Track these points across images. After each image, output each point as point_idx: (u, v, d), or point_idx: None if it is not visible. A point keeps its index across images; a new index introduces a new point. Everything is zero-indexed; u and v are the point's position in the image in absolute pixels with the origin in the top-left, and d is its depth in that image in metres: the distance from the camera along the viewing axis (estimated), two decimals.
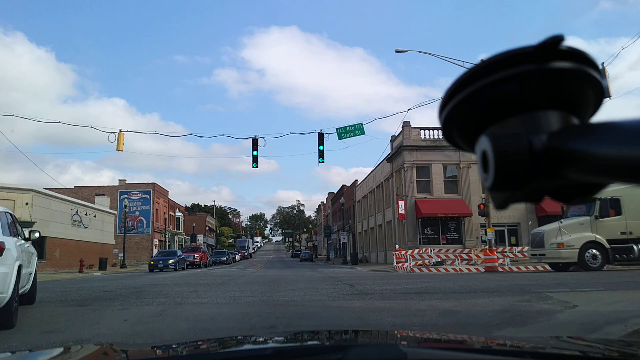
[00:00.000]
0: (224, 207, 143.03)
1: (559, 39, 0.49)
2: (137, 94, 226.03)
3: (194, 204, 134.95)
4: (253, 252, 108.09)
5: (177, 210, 70.52)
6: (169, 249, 58.16)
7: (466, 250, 26.42)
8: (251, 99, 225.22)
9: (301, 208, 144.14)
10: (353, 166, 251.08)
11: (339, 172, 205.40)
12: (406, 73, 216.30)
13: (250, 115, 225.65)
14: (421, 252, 25.80)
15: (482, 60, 0.53)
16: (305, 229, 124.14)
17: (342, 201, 43.86)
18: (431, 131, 30.56)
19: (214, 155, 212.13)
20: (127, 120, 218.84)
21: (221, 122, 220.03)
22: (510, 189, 0.51)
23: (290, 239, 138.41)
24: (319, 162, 26.52)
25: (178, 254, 31.04)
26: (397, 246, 27.12)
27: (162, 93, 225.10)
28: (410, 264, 23.67)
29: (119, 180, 59.30)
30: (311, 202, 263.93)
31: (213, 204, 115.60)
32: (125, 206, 40.79)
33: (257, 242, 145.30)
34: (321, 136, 27.09)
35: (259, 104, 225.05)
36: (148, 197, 58.49)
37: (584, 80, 0.52)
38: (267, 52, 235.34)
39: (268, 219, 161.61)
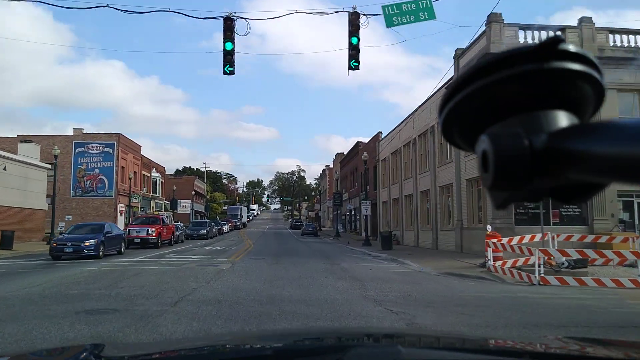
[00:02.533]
0: (219, 173, 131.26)
1: (559, 39, 0.50)
2: (135, 57, 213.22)
3: (185, 167, 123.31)
4: (248, 221, 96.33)
5: (153, 170, 58.22)
6: (140, 215, 46.53)
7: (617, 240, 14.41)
8: (252, 65, 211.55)
9: (302, 174, 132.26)
10: (354, 136, 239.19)
11: (339, 141, 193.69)
12: (410, 41, 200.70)
13: (252, 81, 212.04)
14: (532, 239, 13.73)
15: (482, 60, 0.52)
16: (306, 197, 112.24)
17: (364, 157, 31.32)
18: (538, 32, 17.92)
19: (214, 121, 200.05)
20: (125, 82, 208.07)
21: (222, 87, 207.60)
22: (510, 189, 0.50)
23: (289, 208, 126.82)
24: (352, 66, 14.19)
25: (106, 229, 18.77)
26: (489, 228, 14.98)
27: (161, 56, 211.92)
28: (540, 263, 11.56)
29: (74, 129, 46.90)
30: (310, 170, 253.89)
31: (204, 165, 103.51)
32: (56, 156, 28.52)
33: (254, 210, 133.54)
34: (355, 19, 14.62)
35: (260, 70, 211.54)
36: (111, 151, 46.16)
37: (584, 80, 0.52)
38: (267, 16, 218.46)
39: (266, 186, 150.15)
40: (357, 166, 46.72)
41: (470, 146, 0.56)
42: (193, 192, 70.75)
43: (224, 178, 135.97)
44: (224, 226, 56.86)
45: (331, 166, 72.92)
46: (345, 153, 58.22)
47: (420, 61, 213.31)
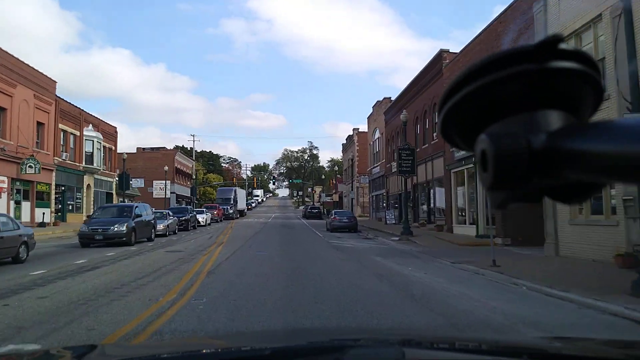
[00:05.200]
0: (222, 156, 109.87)
1: (558, 38, 0.49)
2: (141, 44, 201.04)
3: (177, 145, 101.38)
4: (249, 209, 74.61)
5: (89, 127, 36.32)
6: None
7: None
8: (259, 51, 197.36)
9: (314, 152, 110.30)
10: (363, 123, 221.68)
11: (347, 128, 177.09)
12: (420, 25, 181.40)
13: (260, 67, 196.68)
14: None
15: (481, 59, 0.52)
16: (323, 176, 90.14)
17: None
18: None
19: (221, 109, 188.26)
20: (133, 69, 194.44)
21: (228, 74, 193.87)
22: (509, 189, 0.50)
23: (300, 192, 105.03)
24: None
25: None
26: None
27: (167, 43, 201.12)
28: None
29: None
30: (319, 157, 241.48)
31: (192, 138, 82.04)
32: None
33: (258, 195, 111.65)
34: None
35: (267, 56, 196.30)
36: None
37: (582, 79, 0.51)
38: (274, 1, 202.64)
39: (272, 168, 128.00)
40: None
41: (470, 146, 0.54)
42: (165, 168, 49.00)
43: (226, 162, 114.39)
44: (201, 216, 35.24)
45: (363, 129, 50.80)
46: (394, 99, 35.94)
47: (430, 45, 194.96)
